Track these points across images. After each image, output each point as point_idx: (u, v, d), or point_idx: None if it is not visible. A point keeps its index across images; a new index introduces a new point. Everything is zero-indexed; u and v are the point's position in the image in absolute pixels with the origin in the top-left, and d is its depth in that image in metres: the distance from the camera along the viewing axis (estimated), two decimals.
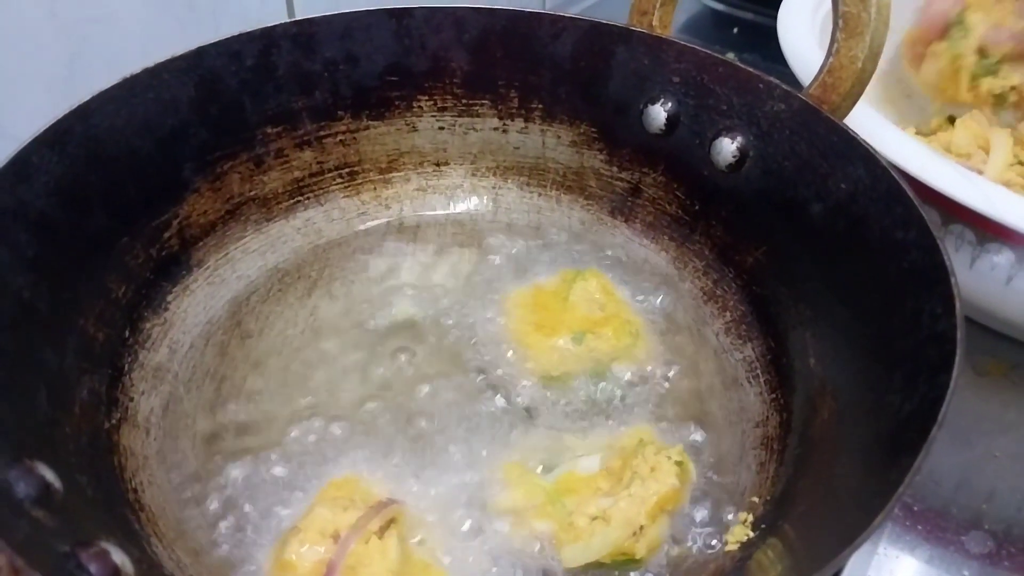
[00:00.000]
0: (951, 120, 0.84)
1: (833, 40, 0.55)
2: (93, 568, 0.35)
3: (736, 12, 1.10)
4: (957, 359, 0.39)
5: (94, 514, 0.42)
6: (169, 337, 0.57)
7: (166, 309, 0.57)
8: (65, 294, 0.50)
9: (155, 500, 0.48)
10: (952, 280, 0.43)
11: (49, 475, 0.39)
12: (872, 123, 0.60)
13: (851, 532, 0.35)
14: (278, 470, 0.51)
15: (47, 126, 0.50)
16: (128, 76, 0.54)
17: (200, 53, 0.58)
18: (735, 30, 1.08)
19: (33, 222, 0.48)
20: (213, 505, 0.49)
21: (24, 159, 0.48)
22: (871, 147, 0.52)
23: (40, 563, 0.31)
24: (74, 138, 0.51)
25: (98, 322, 0.52)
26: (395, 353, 0.58)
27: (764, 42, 0.59)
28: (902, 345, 0.45)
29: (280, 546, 0.45)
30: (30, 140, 0.49)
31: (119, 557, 0.38)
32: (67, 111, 0.51)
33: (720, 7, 1.11)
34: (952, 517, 0.57)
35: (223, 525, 0.48)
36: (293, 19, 0.62)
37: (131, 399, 0.52)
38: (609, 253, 0.66)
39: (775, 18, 0.74)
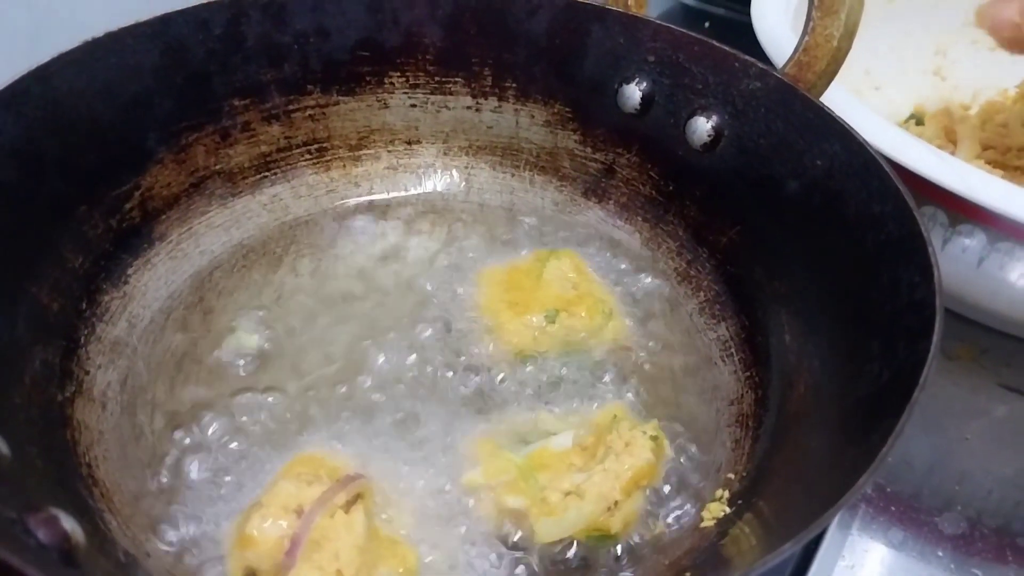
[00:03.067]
0: (918, 121, 0.85)
1: (809, 19, 0.55)
2: (41, 533, 0.33)
3: (708, 7, 1.10)
4: (937, 324, 0.39)
5: (44, 484, 0.40)
6: (128, 311, 0.55)
7: (126, 282, 0.55)
8: (17, 261, 0.48)
9: (110, 476, 0.46)
10: (930, 249, 0.43)
11: None
12: (846, 106, 0.60)
13: (830, 500, 0.34)
14: (240, 446, 0.49)
15: (3, 86, 0.48)
16: (90, 39, 0.52)
17: (166, 20, 0.56)
18: (707, 24, 1.08)
19: None
20: (171, 481, 0.47)
21: None
22: (847, 124, 0.51)
23: None
24: (31, 100, 0.49)
25: (52, 291, 0.50)
26: (363, 330, 0.57)
27: (735, 37, 0.60)
28: (880, 315, 0.45)
29: (242, 521, 0.44)
30: None
31: (69, 524, 0.36)
32: (25, 72, 0.49)
33: (692, 2, 1.11)
34: (925, 499, 0.57)
35: (181, 501, 0.46)
36: None
37: (87, 372, 0.50)
38: (582, 234, 0.65)
39: (746, 13, 0.74)
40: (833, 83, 0.57)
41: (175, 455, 0.48)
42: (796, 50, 0.56)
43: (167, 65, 0.57)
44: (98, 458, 0.47)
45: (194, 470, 0.48)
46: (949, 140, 0.82)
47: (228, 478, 0.47)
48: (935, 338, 0.38)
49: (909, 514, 0.56)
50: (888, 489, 0.58)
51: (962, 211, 0.58)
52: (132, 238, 0.56)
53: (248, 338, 0.55)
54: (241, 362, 0.54)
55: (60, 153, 0.51)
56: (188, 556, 0.44)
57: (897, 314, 0.43)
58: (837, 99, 0.59)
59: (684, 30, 0.59)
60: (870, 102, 0.88)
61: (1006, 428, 0.63)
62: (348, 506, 0.43)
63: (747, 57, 0.57)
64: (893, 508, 0.57)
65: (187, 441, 0.49)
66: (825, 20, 0.54)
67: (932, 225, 0.60)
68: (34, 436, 0.43)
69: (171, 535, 0.45)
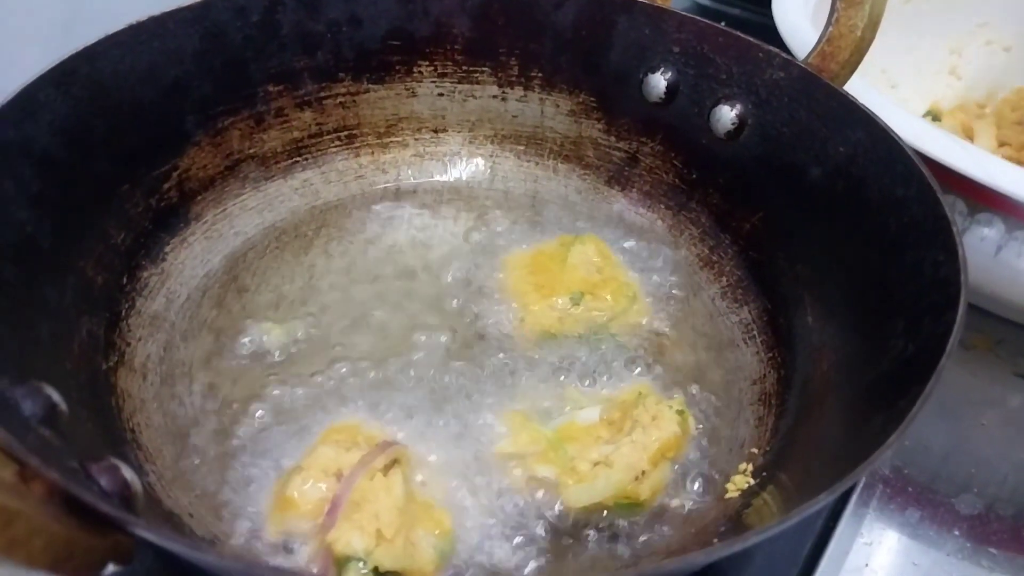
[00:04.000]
0: (934, 119, 0.86)
1: (833, 9, 0.56)
2: (104, 480, 0.35)
3: (723, 7, 1.11)
4: (962, 298, 0.40)
5: (98, 441, 0.41)
6: (166, 287, 0.56)
7: (163, 259, 0.57)
8: (66, 234, 0.49)
9: (152, 442, 0.48)
10: (954, 228, 0.44)
11: (56, 396, 0.38)
12: (867, 95, 0.61)
13: (860, 457, 0.35)
14: (278, 417, 0.50)
15: (53, 65, 0.49)
16: (134, 23, 0.54)
17: (207, 5, 0.57)
18: (722, 24, 1.09)
19: (37, 159, 0.48)
20: (211, 448, 0.48)
21: (30, 96, 0.48)
22: (871, 111, 0.53)
23: (54, 467, 0.30)
24: (79, 79, 0.51)
25: (97, 265, 0.51)
26: (393, 310, 0.58)
27: (751, 37, 0.61)
28: (904, 295, 0.46)
29: (282, 484, 0.45)
30: (36, 78, 0.48)
31: (129, 474, 0.37)
32: (73, 52, 0.51)
33: (708, 2, 1.12)
34: (942, 482, 0.58)
35: (220, 467, 0.47)
36: None
37: (128, 344, 0.52)
38: (606, 221, 0.66)
39: (761, 13, 0.75)
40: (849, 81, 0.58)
41: (212, 424, 0.50)
42: (820, 40, 0.57)
43: (206, 50, 0.58)
44: (140, 424, 0.48)
45: (231, 439, 0.49)
46: (966, 136, 0.83)
47: (265, 446, 0.48)
48: (960, 310, 0.40)
49: (926, 495, 0.57)
50: (905, 471, 0.58)
51: (981, 199, 0.59)
52: (170, 217, 0.58)
53: (282, 316, 0.57)
54: (275, 339, 0.55)
55: (104, 133, 0.53)
56: (229, 517, 0.45)
57: (921, 292, 0.44)
58: (858, 90, 0.60)
59: (709, 21, 0.61)
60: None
61: (1022, 416, 0.64)
62: (386, 470, 0.44)
63: (771, 48, 0.58)
64: (910, 489, 0.58)
65: (224, 412, 0.50)
66: (850, 11, 0.56)
67: (951, 214, 0.61)
68: (85, 399, 0.44)
69: (210, 498, 0.46)
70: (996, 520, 0.56)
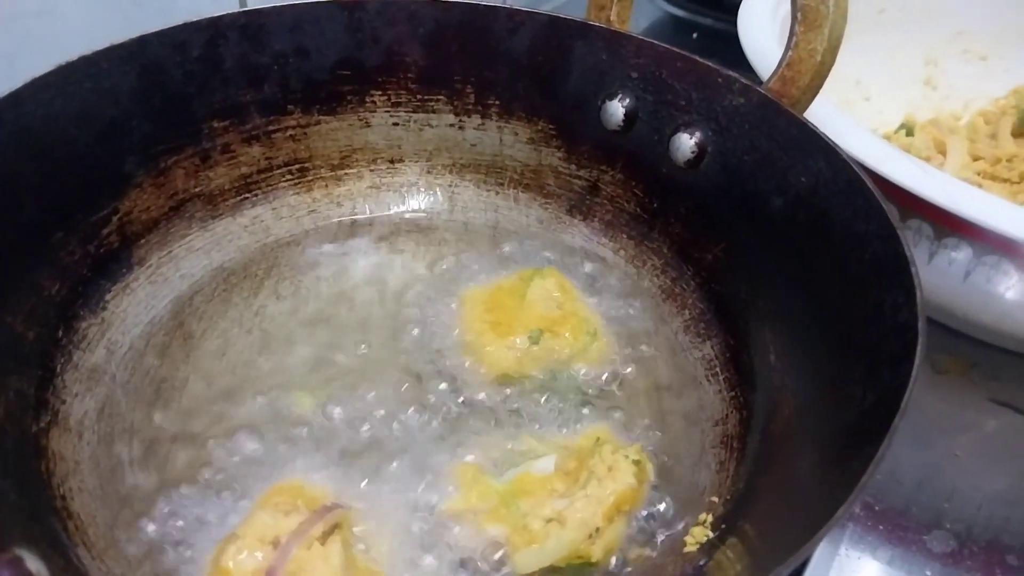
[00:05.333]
0: (908, 132, 0.85)
1: (792, 34, 0.55)
2: (6, 574, 0.33)
3: (696, 18, 1.10)
4: (919, 348, 0.38)
5: (15, 520, 0.39)
6: (107, 337, 0.54)
7: (104, 308, 0.55)
8: None
9: (85, 508, 0.46)
10: (913, 270, 0.42)
11: None
12: (831, 119, 0.60)
13: (814, 525, 0.34)
14: (219, 476, 0.48)
15: None
16: (64, 63, 0.52)
17: (143, 42, 0.55)
18: (694, 35, 1.08)
19: None
20: (148, 513, 0.46)
21: None
22: (831, 140, 0.51)
23: None
24: (5, 125, 0.49)
25: (28, 320, 0.49)
26: (345, 354, 0.56)
27: (723, 47, 0.59)
28: (864, 337, 0.44)
29: (217, 553, 0.43)
30: None
31: (35, 565, 0.35)
32: None
33: (680, 13, 1.11)
34: (914, 516, 0.57)
35: (157, 534, 0.45)
36: (241, 10, 0.60)
37: (63, 401, 0.50)
38: (567, 252, 0.64)
39: (734, 24, 0.73)
40: (821, 94, 0.56)
41: (152, 485, 0.48)
42: (780, 65, 0.55)
43: (144, 88, 0.56)
44: (73, 489, 0.46)
45: (171, 501, 0.47)
46: (939, 151, 0.81)
47: (206, 508, 0.46)
48: (916, 361, 0.38)
49: (898, 532, 0.56)
50: (876, 507, 0.57)
51: (947, 224, 0.58)
52: (110, 263, 0.56)
53: (228, 363, 0.55)
54: (220, 389, 0.53)
55: (34, 179, 0.51)
56: None
57: (881, 337, 0.43)
58: (822, 112, 0.59)
59: (667, 46, 0.59)
60: (861, 112, 0.87)
61: (996, 443, 0.62)
62: (325, 537, 0.42)
63: (730, 72, 0.57)
64: (881, 527, 0.56)
65: (164, 472, 0.48)
66: (809, 35, 0.54)
67: (918, 238, 0.60)
68: (7, 469, 0.42)
69: (146, 567, 0.44)
70: (970, 556, 0.55)
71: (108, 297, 0.55)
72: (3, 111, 0.49)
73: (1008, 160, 0.78)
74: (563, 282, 0.60)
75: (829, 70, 0.55)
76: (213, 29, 0.58)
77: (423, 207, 0.67)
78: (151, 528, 0.45)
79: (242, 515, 0.46)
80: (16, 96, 0.49)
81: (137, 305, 0.57)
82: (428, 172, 0.68)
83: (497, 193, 0.67)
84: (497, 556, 0.45)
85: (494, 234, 0.66)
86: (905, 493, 0.58)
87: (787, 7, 0.58)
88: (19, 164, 0.50)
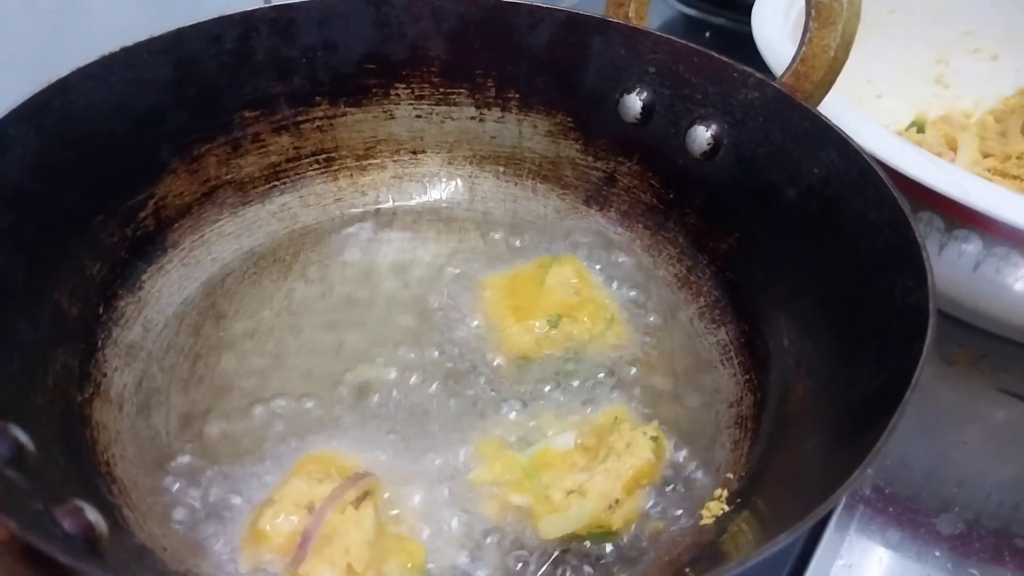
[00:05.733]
0: (919, 129, 0.86)
1: (806, 30, 0.56)
2: (67, 524, 0.35)
3: (708, 17, 1.11)
4: (930, 328, 0.40)
5: (68, 480, 0.41)
6: (143, 315, 0.56)
7: (140, 288, 0.57)
8: (40, 267, 0.49)
9: (127, 474, 0.48)
10: (924, 255, 0.44)
11: (23, 437, 0.38)
12: (843, 114, 0.61)
13: (828, 491, 0.35)
14: (252, 447, 0.50)
15: (24, 99, 0.49)
16: (107, 54, 0.54)
17: (179, 35, 0.58)
18: (707, 34, 1.10)
19: (9, 194, 0.48)
20: (185, 480, 0.48)
21: (0, 132, 0.48)
22: (844, 132, 0.53)
23: (14, 516, 0.30)
24: (51, 113, 0.51)
25: (72, 297, 0.51)
26: (370, 335, 0.58)
27: (736, 46, 0.61)
28: (875, 320, 0.46)
29: (254, 517, 0.45)
30: (7, 113, 0.48)
31: (93, 515, 0.37)
32: (44, 86, 0.51)
33: (692, 12, 1.12)
34: (923, 501, 0.58)
35: (196, 499, 0.47)
36: (273, 4, 0.62)
37: (104, 375, 0.52)
38: (584, 241, 0.66)
39: (747, 23, 0.75)
40: (833, 91, 0.58)
41: (189, 455, 0.50)
42: (793, 60, 0.57)
43: (180, 79, 0.58)
44: (116, 456, 0.48)
45: (206, 469, 0.49)
46: (950, 148, 0.83)
47: (240, 477, 0.48)
48: (927, 340, 0.40)
49: (907, 515, 0.57)
50: (886, 491, 0.58)
51: (958, 216, 0.59)
52: (146, 246, 0.58)
53: (259, 342, 0.57)
54: (251, 366, 0.55)
55: (78, 165, 0.53)
56: (203, 551, 0.45)
57: (891, 319, 0.44)
58: (835, 107, 0.60)
59: (684, 41, 0.61)
60: (872, 110, 0.89)
61: (1004, 432, 0.64)
62: (357, 503, 0.44)
63: (745, 68, 0.58)
64: (891, 509, 0.57)
65: (200, 442, 0.50)
66: (822, 31, 0.56)
67: (928, 230, 0.61)
68: (57, 435, 0.44)
69: (185, 531, 0.46)
70: (978, 539, 0.56)
71: (144, 278, 0.58)
72: (50, 99, 0.51)
73: (1018, 157, 0.79)
74: (580, 269, 0.62)
75: (842, 66, 0.57)
76: (246, 23, 0.60)
77: (444, 197, 0.69)
78: (189, 494, 0.47)
79: (275, 484, 0.48)
80: (62, 84, 0.51)
81: (171, 286, 0.59)
82: (449, 163, 0.70)
83: (516, 184, 0.69)
84: (521, 523, 0.47)
85: (513, 223, 0.68)
86: (915, 479, 0.59)
87: (800, 6, 0.60)
88: (64, 150, 0.52)
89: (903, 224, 0.47)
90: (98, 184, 0.55)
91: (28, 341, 0.47)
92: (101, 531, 0.38)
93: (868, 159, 0.51)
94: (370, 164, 0.68)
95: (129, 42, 0.55)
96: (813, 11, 0.56)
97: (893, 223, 0.48)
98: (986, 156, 0.81)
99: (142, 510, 0.46)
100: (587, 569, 0.46)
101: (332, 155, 0.67)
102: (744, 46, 0.73)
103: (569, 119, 0.67)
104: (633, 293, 0.62)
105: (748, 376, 0.55)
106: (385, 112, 0.67)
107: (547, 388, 0.55)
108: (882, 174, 0.50)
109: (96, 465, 0.47)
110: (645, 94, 0.63)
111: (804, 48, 0.57)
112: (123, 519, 0.44)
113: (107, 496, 0.45)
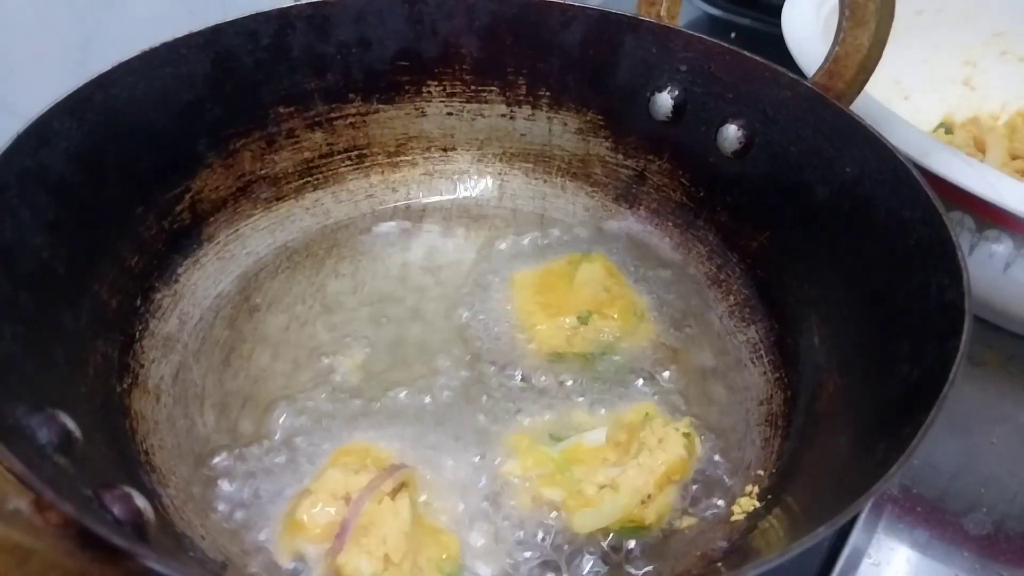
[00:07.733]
0: (947, 131, 0.86)
1: (839, 29, 0.56)
2: (116, 509, 0.36)
3: (733, 17, 1.11)
4: (967, 323, 0.40)
5: (112, 467, 0.42)
6: (179, 308, 0.57)
7: (176, 281, 0.58)
8: (81, 258, 0.50)
9: (165, 463, 0.49)
10: (959, 253, 0.44)
11: (70, 424, 0.39)
12: (876, 112, 0.62)
13: (863, 487, 0.36)
14: (286, 438, 0.51)
15: (68, 93, 0.50)
16: (147, 49, 0.55)
17: (217, 30, 0.58)
18: (732, 35, 1.10)
19: (53, 186, 0.49)
20: (222, 470, 0.49)
21: (46, 124, 0.49)
22: (877, 131, 0.53)
23: (70, 500, 0.31)
24: (94, 106, 0.52)
25: (112, 289, 0.52)
26: (402, 330, 0.59)
27: (760, 47, 0.61)
28: (909, 317, 0.46)
29: (291, 508, 0.46)
30: (51, 106, 0.49)
31: (141, 502, 0.38)
32: (87, 80, 0.52)
33: (717, 12, 1.12)
34: (950, 501, 0.58)
35: (232, 490, 0.48)
36: (308, 1, 0.63)
37: (142, 365, 0.53)
38: (614, 239, 0.66)
39: (771, 23, 0.75)
40: (862, 92, 0.58)
41: (225, 445, 0.50)
42: (826, 60, 0.57)
43: (217, 74, 0.59)
44: (154, 446, 0.49)
45: (243, 459, 0.50)
46: (978, 149, 0.83)
47: (276, 468, 0.49)
48: (964, 336, 0.40)
49: (935, 515, 0.57)
50: (914, 491, 0.58)
51: (989, 216, 0.59)
52: (183, 239, 0.59)
53: (293, 336, 0.58)
54: (285, 359, 0.56)
55: (119, 158, 0.54)
56: (240, 539, 0.46)
57: (926, 316, 0.45)
58: (867, 107, 0.61)
59: (716, 40, 0.61)
60: (900, 111, 0.88)
61: None
62: (394, 494, 0.45)
63: (777, 67, 0.59)
64: (919, 509, 0.57)
65: (235, 433, 0.51)
66: (856, 30, 0.56)
67: (960, 230, 0.61)
68: (99, 423, 0.45)
69: (222, 520, 0.47)
70: (1005, 540, 0.56)
71: (180, 271, 0.58)
72: (92, 93, 0.52)
73: None
74: (610, 266, 0.63)
75: (875, 65, 0.57)
76: (282, 19, 0.61)
77: (474, 194, 0.70)
78: (226, 484, 0.48)
79: (310, 475, 0.48)
80: (105, 79, 0.52)
81: (206, 279, 0.60)
82: (479, 160, 0.70)
83: (545, 181, 0.70)
84: (555, 517, 0.47)
85: (542, 221, 0.68)
86: (942, 479, 0.59)
87: (830, 6, 0.60)
88: (106, 143, 0.53)
89: (938, 222, 0.47)
90: (138, 177, 0.55)
91: (71, 331, 0.48)
92: (148, 517, 0.38)
93: (902, 158, 0.51)
94: (401, 161, 0.69)
95: (168, 37, 0.56)
96: (847, 10, 0.56)
97: (928, 221, 0.48)
98: (1015, 158, 0.81)
99: (181, 500, 0.47)
100: (620, 564, 0.46)
101: (364, 152, 0.68)
102: (769, 46, 0.73)
103: (599, 117, 0.67)
104: (663, 291, 0.63)
105: (778, 374, 0.56)
106: (417, 109, 0.68)
107: (577, 384, 0.55)
108: (916, 172, 0.50)
109: (136, 454, 0.47)
110: (676, 92, 0.63)
111: (837, 47, 0.57)
112: (162, 507, 0.45)
113: (148, 484, 0.45)
